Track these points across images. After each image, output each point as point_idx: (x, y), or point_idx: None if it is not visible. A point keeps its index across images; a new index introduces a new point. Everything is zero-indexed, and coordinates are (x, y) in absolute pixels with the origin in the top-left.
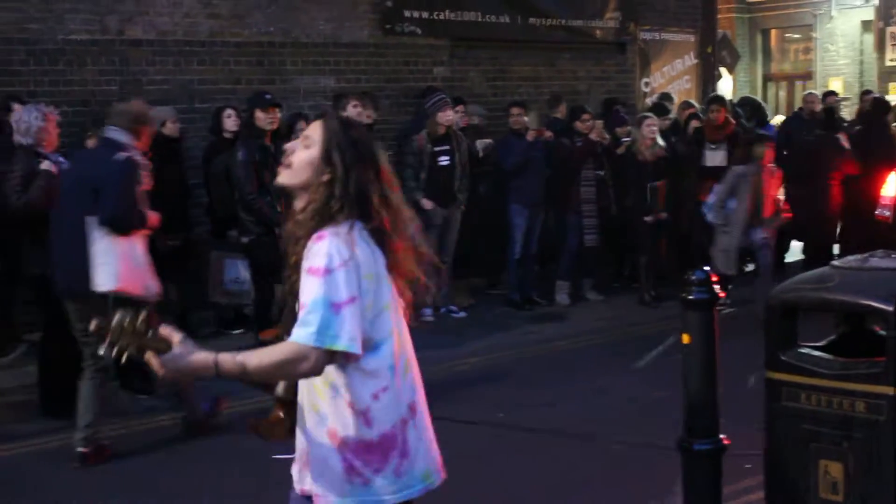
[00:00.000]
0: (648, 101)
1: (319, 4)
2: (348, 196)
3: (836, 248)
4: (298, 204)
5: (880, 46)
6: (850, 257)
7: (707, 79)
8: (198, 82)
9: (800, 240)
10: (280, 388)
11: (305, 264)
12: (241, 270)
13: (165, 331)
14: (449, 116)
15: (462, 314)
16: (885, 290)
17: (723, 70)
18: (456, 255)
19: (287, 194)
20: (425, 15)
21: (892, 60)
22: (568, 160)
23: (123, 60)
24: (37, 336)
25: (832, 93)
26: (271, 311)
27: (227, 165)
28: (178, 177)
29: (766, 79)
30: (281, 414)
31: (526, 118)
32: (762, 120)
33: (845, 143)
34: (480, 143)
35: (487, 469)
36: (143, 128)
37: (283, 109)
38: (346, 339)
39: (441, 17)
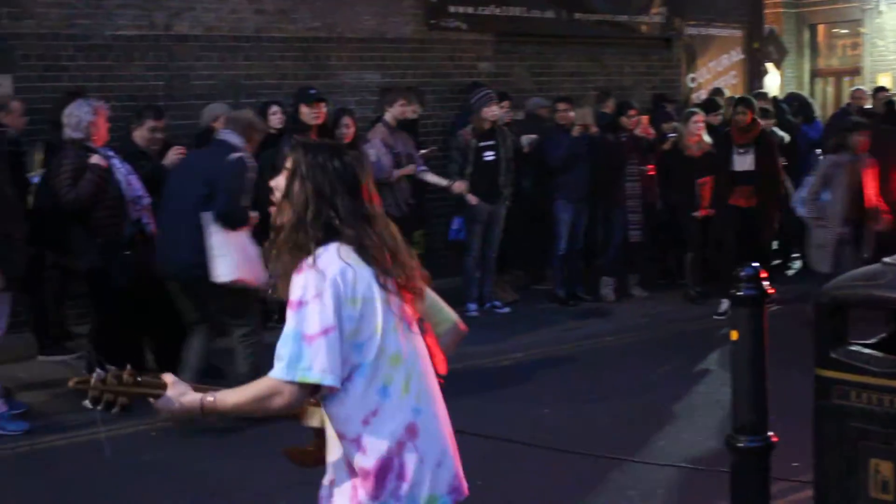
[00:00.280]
0: (695, 96)
1: (364, 0)
2: (316, 223)
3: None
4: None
5: None
6: None
7: (754, 75)
8: (244, 77)
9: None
10: (315, 419)
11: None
12: None
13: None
14: (494, 112)
15: (506, 310)
16: None
17: (769, 66)
18: (500, 251)
19: None
20: (470, 10)
21: None
22: (613, 156)
23: (171, 56)
24: (85, 328)
25: (883, 88)
26: None
27: (273, 161)
28: None
29: (814, 74)
30: (316, 444)
31: (572, 113)
32: (809, 116)
33: None
34: (525, 139)
35: (529, 464)
36: (253, 133)
37: (328, 104)
38: (318, 371)
39: (486, 11)
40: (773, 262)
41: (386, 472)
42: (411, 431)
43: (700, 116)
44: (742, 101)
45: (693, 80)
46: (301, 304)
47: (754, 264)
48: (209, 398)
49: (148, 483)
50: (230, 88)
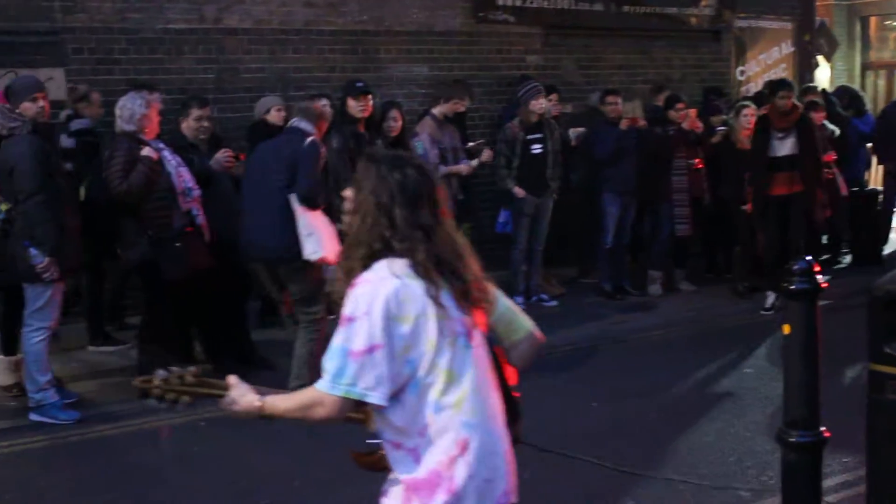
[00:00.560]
0: (744, 89)
1: None
2: (374, 235)
3: None
4: None
5: None
6: None
7: (804, 67)
8: (293, 70)
9: None
10: None
11: None
12: None
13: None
14: (541, 104)
15: (553, 303)
16: None
17: (820, 58)
18: (547, 244)
19: None
20: (518, 3)
21: None
22: (660, 149)
23: (220, 49)
24: (136, 319)
25: None
26: None
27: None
28: None
29: (865, 67)
30: (382, 451)
31: (620, 107)
32: (860, 109)
33: None
34: (573, 132)
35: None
36: (321, 121)
37: (375, 97)
38: (362, 387)
39: (534, 4)
40: (822, 256)
41: (435, 484)
42: (462, 447)
43: (751, 109)
44: (783, 85)
45: (742, 73)
46: (350, 319)
47: (808, 258)
48: (264, 402)
49: (196, 473)
50: (279, 81)
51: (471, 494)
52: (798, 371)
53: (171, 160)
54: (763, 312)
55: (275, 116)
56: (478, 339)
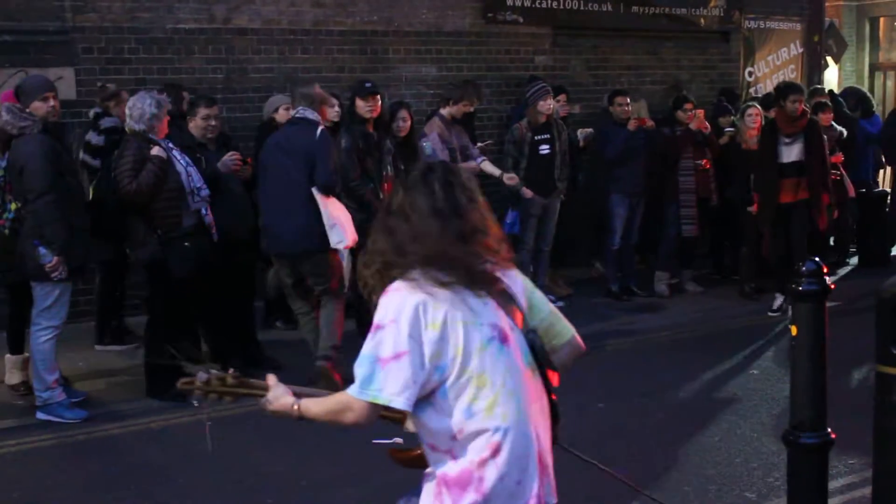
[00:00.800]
0: (753, 90)
1: None
2: (404, 245)
3: None
4: None
5: None
6: None
7: (813, 68)
8: (302, 70)
9: None
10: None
11: None
12: None
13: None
14: (549, 105)
15: (560, 304)
16: None
17: (829, 59)
18: (555, 244)
19: (390, 181)
20: (527, 3)
21: None
22: (668, 150)
23: (229, 49)
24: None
25: None
26: None
27: None
28: None
29: (874, 68)
30: (419, 451)
31: (629, 107)
32: (868, 111)
33: None
34: (581, 133)
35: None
36: (323, 106)
37: (384, 97)
38: (388, 394)
39: (543, 5)
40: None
41: (466, 483)
42: (494, 450)
43: (756, 110)
44: (794, 89)
45: (751, 73)
46: (379, 327)
47: (816, 259)
48: (300, 404)
49: (202, 472)
50: (288, 81)
51: (500, 495)
52: (805, 372)
53: (181, 160)
54: (770, 314)
55: (283, 116)
56: (514, 341)
